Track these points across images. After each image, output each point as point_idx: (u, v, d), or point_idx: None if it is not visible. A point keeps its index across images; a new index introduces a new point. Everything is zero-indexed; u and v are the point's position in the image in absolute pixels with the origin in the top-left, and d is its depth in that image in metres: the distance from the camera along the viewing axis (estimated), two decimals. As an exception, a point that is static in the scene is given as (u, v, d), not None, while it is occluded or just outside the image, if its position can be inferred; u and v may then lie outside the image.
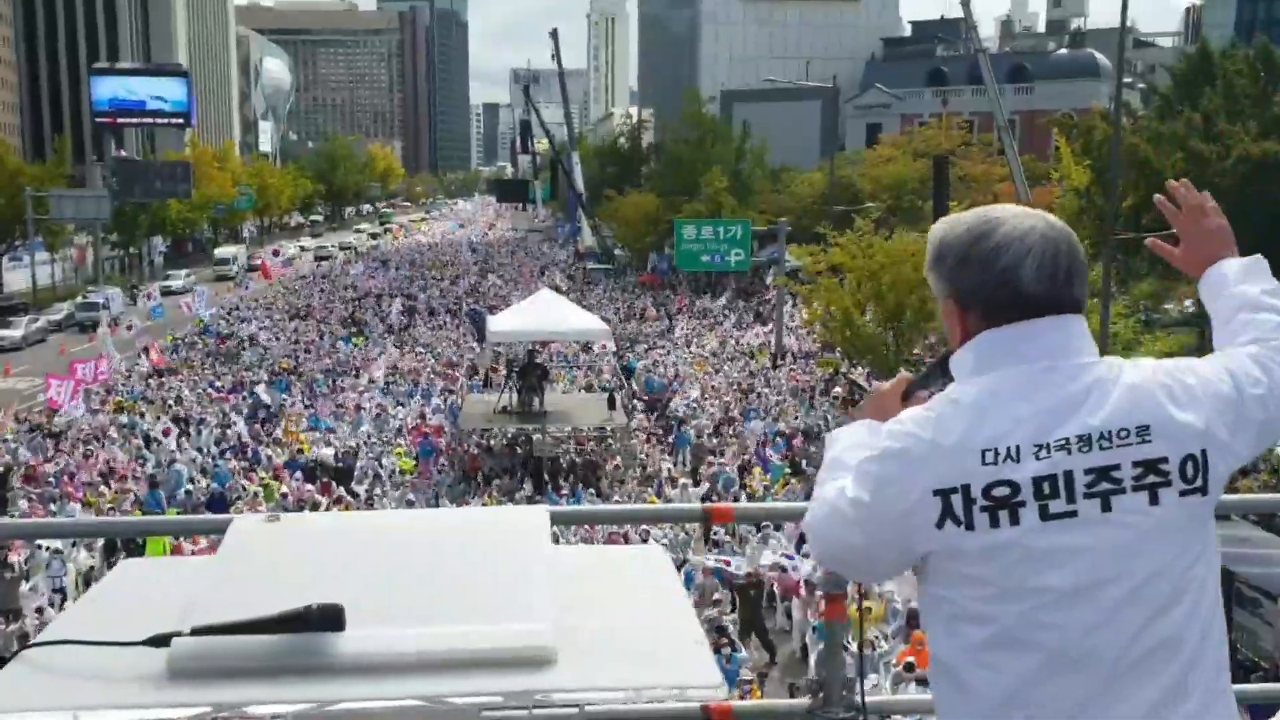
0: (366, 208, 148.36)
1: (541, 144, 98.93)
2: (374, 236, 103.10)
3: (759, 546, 16.74)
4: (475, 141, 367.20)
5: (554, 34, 76.91)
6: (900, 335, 27.31)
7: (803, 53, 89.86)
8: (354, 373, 33.28)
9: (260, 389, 28.74)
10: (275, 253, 72.43)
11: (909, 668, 12.81)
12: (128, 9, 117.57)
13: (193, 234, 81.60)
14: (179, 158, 76.84)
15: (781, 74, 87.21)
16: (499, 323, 24.78)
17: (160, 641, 1.74)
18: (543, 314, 23.88)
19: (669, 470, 22.67)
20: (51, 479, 20.93)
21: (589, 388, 30.69)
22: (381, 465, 23.39)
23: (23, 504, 19.63)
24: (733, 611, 15.19)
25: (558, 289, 40.20)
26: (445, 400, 29.40)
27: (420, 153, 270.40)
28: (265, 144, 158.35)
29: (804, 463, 23.21)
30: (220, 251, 75.44)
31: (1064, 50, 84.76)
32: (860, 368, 30.55)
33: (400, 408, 28.43)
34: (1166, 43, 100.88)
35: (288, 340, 39.00)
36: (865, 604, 15.39)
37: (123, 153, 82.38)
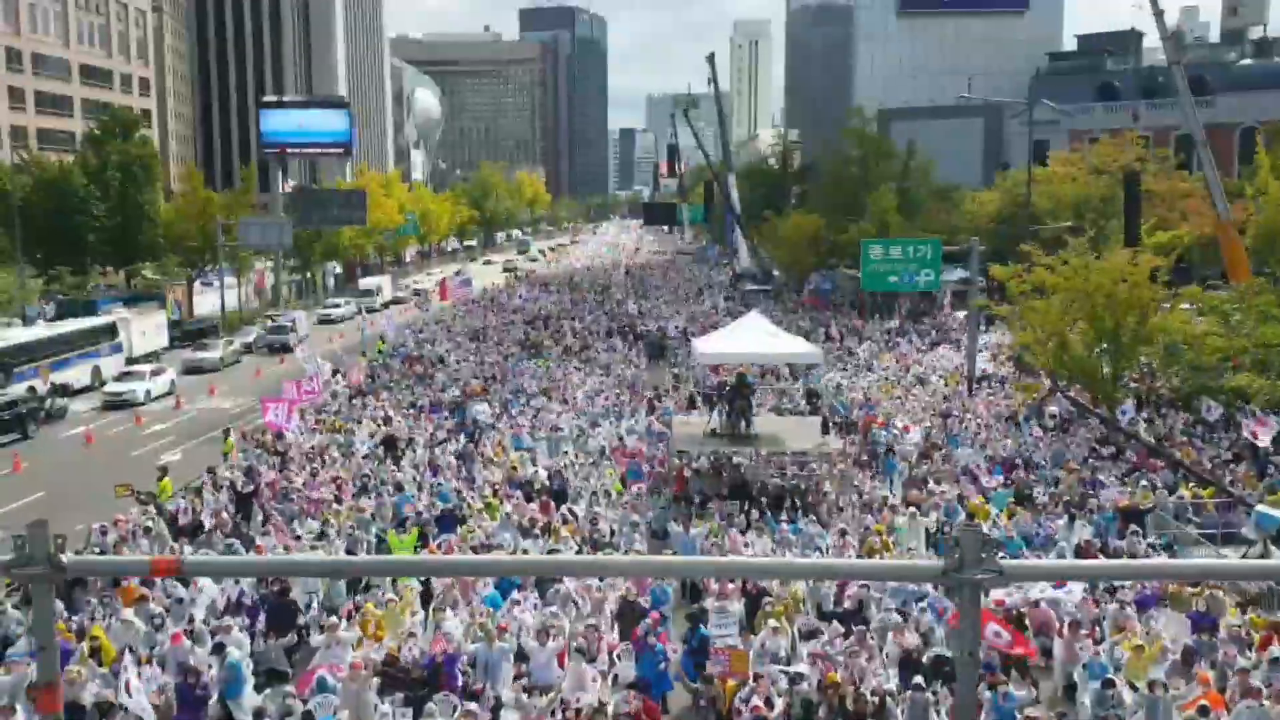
0: (516, 233, 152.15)
1: (697, 166, 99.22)
2: (532, 260, 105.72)
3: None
4: (612, 166, 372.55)
5: (711, 59, 77.24)
6: (1120, 357, 25.99)
7: (962, 68, 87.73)
8: (545, 394, 33.83)
9: (481, 410, 29.42)
10: (457, 273, 74.85)
11: (1203, 711, 11.98)
12: (292, 44, 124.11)
13: (362, 259, 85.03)
14: (352, 186, 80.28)
15: (940, 91, 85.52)
16: (707, 345, 24.70)
17: None
18: (751, 336, 23.72)
19: (887, 498, 22.07)
20: (293, 496, 21.74)
21: (777, 411, 30.42)
22: (591, 485, 23.55)
23: (262, 519, 20.50)
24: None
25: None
26: (639, 421, 29.59)
27: (560, 178, 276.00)
28: (417, 172, 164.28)
29: (1029, 491, 22.30)
30: (365, 283, 77.05)
31: (1248, 60, 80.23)
32: (1069, 392, 29.28)
33: (596, 428, 28.68)
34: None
35: (475, 362, 39.96)
36: (1137, 643, 14.52)
37: (291, 183, 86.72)
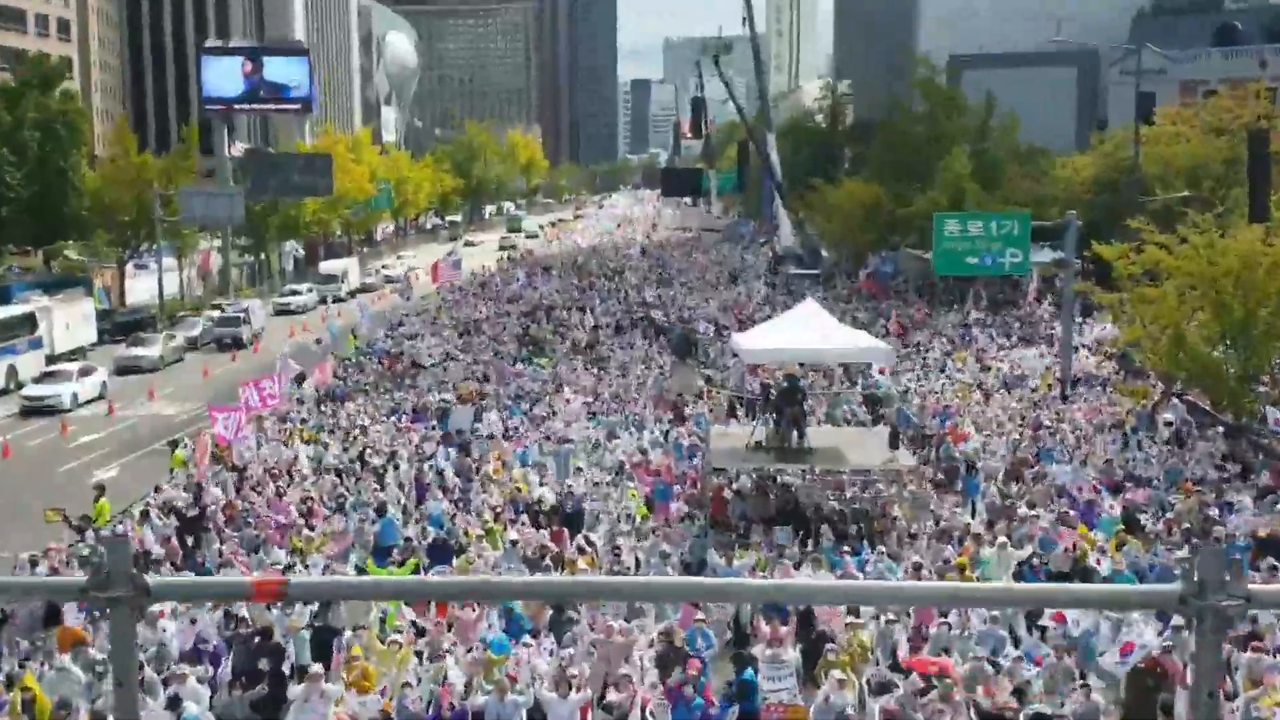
0: (508, 206, 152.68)
1: (727, 124, 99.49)
2: (531, 237, 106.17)
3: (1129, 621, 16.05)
4: (623, 125, 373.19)
5: (745, -10, 77.21)
6: (1251, 354, 25.91)
7: (1050, 8, 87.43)
8: (548, 399, 33.97)
9: (460, 412, 29.63)
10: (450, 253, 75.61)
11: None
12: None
13: (326, 238, 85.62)
14: (315, 149, 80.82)
15: (1023, 35, 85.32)
16: (751, 341, 24.76)
17: None
18: (804, 330, 23.73)
19: (969, 525, 22.07)
20: (250, 520, 21.92)
21: (833, 420, 30.47)
22: (610, 508, 23.67)
23: (220, 547, 20.68)
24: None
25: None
26: (663, 432, 29.71)
27: (560, 140, 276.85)
28: (389, 133, 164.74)
29: (1140, 516, 22.28)
30: (328, 266, 77.12)
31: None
32: (1188, 396, 29.22)
33: (614, 440, 28.82)
34: None
35: (465, 360, 40.33)
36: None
37: (240, 145, 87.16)
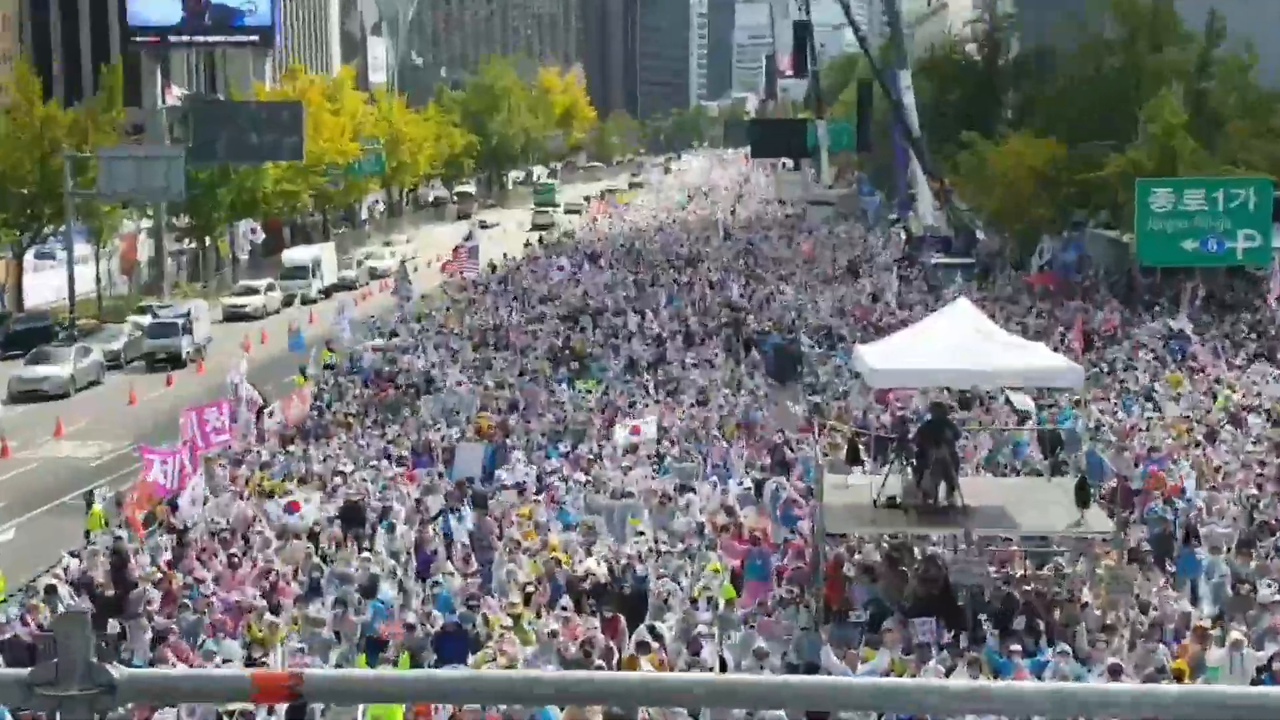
0: (538, 171, 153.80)
1: (841, 59, 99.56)
2: (570, 213, 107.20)
3: None
4: (696, 62, 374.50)
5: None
6: None
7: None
8: (596, 437, 34.22)
9: (472, 451, 29.85)
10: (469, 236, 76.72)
11: None
12: None
13: (293, 216, 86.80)
14: (279, 96, 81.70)
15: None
16: (882, 357, 24.60)
17: None
18: (957, 341, 23.51)
19: (1190, 615, 21.80)
20: (192, 600, 22.20)
21: (993, 467, 30.27)
22: (684, 588, 23.67)
23: (150, 638, 20.93)
24: None
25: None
26: (756, 483, 29.75)
27: (610, 82, 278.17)
28: (378, 73, 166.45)
29: None
30: (294, 255, 78.00)
31: None
32: None
33: (688, 494, 28.93)
34: None
35: (483, 385, 40.79)
36: None
37: (178, 91, 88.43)
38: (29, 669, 3.00)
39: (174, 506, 27.58)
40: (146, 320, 57.38)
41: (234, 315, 64.63)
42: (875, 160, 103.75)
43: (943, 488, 23.50)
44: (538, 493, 29.41)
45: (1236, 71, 59.37)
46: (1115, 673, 18.80)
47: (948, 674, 19.42)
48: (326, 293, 71.55)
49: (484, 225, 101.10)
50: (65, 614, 3.08)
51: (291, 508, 26.97)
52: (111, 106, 66.88)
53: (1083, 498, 23.43)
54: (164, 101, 75.82)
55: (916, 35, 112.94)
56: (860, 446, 31.16)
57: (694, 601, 22.93)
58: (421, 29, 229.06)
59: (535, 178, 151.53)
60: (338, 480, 30.25)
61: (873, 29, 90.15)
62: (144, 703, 13.66)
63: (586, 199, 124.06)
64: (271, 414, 36.69)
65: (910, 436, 24.85)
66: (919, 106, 75.51)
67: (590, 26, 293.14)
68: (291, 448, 33.74)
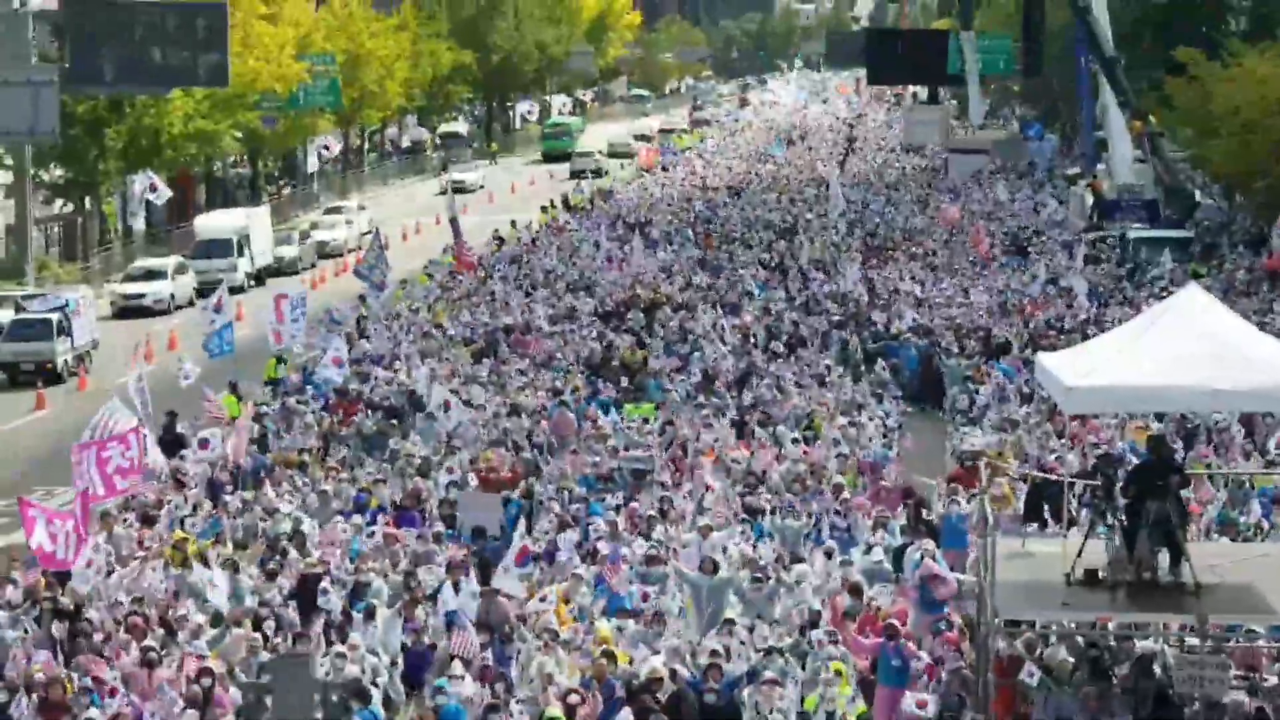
0: (559, 102, 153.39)
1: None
2: (594, 174, 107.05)
3: None
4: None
5: None
6: None
7: None
8: (656, 484, 34.41)
9: (476, 503, 30.16)
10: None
11: None
12: None
13: (211, 168, 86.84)
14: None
15: None
16: (1076, 372, 24.61)
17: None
18: (1191, 348, 23.62)
19: None
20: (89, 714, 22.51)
21: (1229, 527, 30.30)
22: (790, 700, 23.81)
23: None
24: None
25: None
26: (893, 551, 29.86)
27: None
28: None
29: None
30: (209, 224, 78.48)
31: None
32: None
33: (797, 567, 29.11)
34: None
35: (491, 410, 41.03)
36: None
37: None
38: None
39: (60, 579, 27.83)
40: (5, 316, 57.81)
41: (129, 309, 65.07)
42: (1047, 92, 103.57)
43: (1164, 556, 23.65)
44: (581, 564, 29.60)
45: None
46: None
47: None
48: (258, 277, 71.71)
49: (458, 188, 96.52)
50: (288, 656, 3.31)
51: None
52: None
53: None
54: (23, 2, 76.00)
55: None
56: (1043, 499, 31.32)
57: (807, 718, 23.10)
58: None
59: (558, 111, 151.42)
60: (287, 543, 30.48)
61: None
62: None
63: (642, 138, 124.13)
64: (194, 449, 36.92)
65: (1117, 485, 24.94)
66: (1113, 15, 75.40)
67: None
68: (228, 494, 34.02)
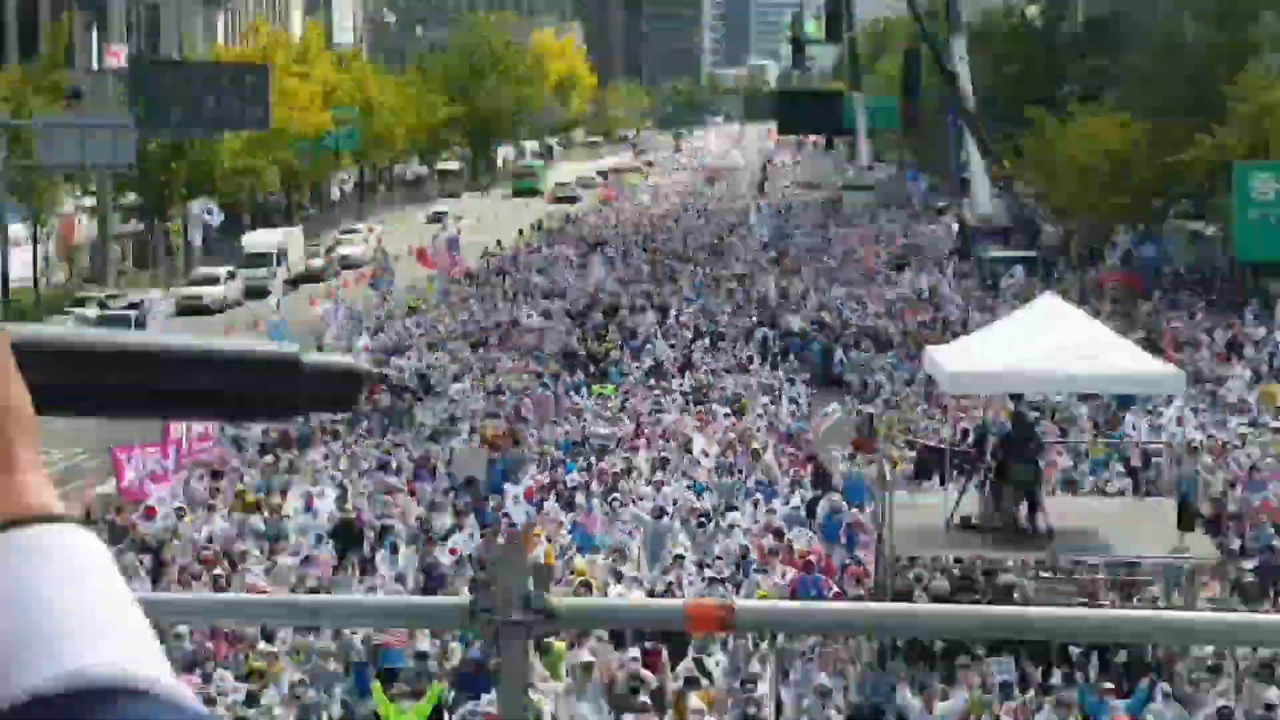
0: (531, 147, 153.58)
1: (878, 23, 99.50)
2: (572, 198, 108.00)
3: None
4: (709, 23, 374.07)
5: None
6: None
7: None
8: (621, 448, 34.67)
9: (466, 456, 30.17)
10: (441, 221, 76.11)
11: None
12: None
13: (255, 196, 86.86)
14: (238, 57, 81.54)
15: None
16: (958, 361, 24.94)
17: None
18: (1047, 342, 23.87)
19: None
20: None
21: (1072, 486, 30.59)
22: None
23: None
24: None
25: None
26: (806, 502, 30.04)
27: (613, 46, 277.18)
28: (344, 31, 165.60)
29: None
30: (255, 240, 78.36)
31: None
32: None
33: (731, 514, 29.18)
34: None
35: (485, 388, 41.40)
36: None
37: (116, 50, 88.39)
38: (470, 597, 3.41)
39: (148, 517, 27.92)
40: (93, 314, 57.80)
41: (190, 308, 65.03)
42: (921, 139, 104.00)
43: (1024, 508, 23.90)
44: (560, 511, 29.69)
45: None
46: (1225, 717, 19.12)
47: (1034, 711, 19.76)
48: (293, 283, 71.67)
49: (437, 218, 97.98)
50: (504, 545, 3.53)
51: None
52: (55, 67, 67.16)
53: (1187, 521, 23.81)
54: (99, 62, 75.69)
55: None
56: (931, 462, 31.55)
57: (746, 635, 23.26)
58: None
59: (530, 154, 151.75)
60: (326, 494, 30.61)
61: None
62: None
63: (603, 173, 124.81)
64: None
65: (989, 451, 25.21)
66: (976, 79, 75.62)
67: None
68: (274, 455, 34.12)
